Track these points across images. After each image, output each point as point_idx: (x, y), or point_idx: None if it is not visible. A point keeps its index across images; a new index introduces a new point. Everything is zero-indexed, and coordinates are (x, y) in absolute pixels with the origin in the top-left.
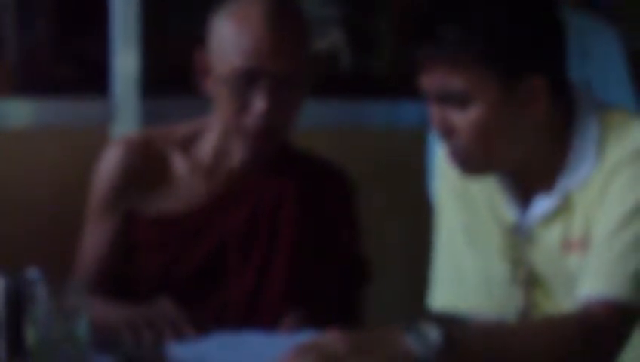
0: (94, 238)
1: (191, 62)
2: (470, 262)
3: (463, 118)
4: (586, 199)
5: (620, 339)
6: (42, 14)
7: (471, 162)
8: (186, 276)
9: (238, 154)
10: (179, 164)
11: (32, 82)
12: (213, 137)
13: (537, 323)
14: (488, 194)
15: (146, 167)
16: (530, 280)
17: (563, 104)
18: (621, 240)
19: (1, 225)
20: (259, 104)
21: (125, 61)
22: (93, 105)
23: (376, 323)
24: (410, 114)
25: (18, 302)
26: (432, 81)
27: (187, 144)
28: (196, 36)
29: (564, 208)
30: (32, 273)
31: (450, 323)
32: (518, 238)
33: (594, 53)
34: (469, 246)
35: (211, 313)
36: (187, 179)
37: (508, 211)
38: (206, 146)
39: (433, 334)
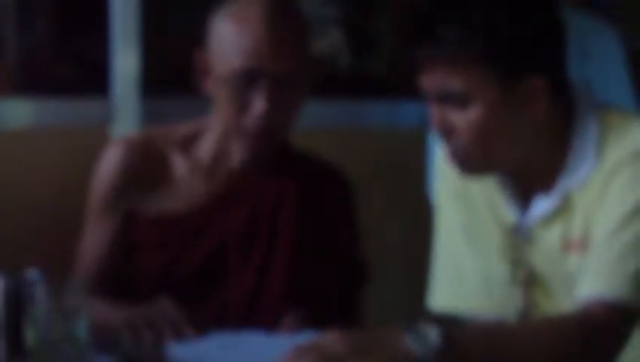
0: (94, 238)
1: (191, 62)
2: (470, 262)
3: (463, 118)
4: (585, 199)
5: (619, 340)
6: (42, 14)
7: (470, 162)
8: (186, 276)
9: (237, 155)
10: (179, 164)
11: (32, 82)
12: (213, 137)
13: (537, 324)
14: (488, 194)
15: (145, 167)
16: (529, 281)
17: (563, 104)
18: (621, 241)
19: (1, 225)
20: (258, 104)
21: (125, 61)
22: (93, 106)
23: (376, 323)
24: (409, 114)
25: (18, 302)
26: (431, 81)
27: (187, 144)
28: (196, 36)
29: (563, 208)
30: (32, 273)
31: (450, 324)
32: (518, 238)
33: (594, 53)
34: (469, 247)
35: (211, 313)
36: (187, 179)
37: (508, 211)
38: (206, 146)
39: (433, 334)
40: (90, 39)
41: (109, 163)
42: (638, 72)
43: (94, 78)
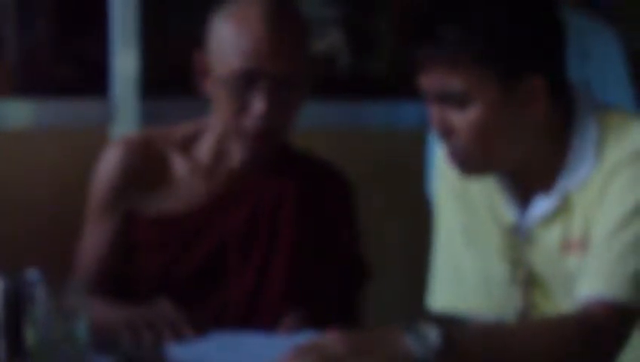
0: (94, 238)
1: (190, 62)
2: (469, 263)
3: (463, 118)
4: (585, 200)
5: (619, 340)
6: (42, 14)
7: (470, 162)
8: (185, 276)
9: (237, 155)
10: (179, 165)
11: (32, 82)
12: (213, 137)
13: (536, 324)
14: (487, 194)
15: (145, 168)
16: (529, 281)
17: (562, 104)
18: (620, 241)
19: (1, 225)
20: (258, 105)
21: (125, 62)
22: (92, 106)
23: (376, 323)
24: (409, 114)
25: (18, 302)
26: (431, 81)
27: (187, 144)
28: (196, 37)
29: (563, 209)
30: (32, 274)
31: (450, 324)
32: (518, 239)
33: (593, 53)
34: (469, 247)
35: (211, 313)
36: (187, 179)
37: (507, 211)
38: (205, 146)
39: (432, 334)
40: (90, 39)
41: (109, 163)
42: (638, 72)
43: (94, 79)
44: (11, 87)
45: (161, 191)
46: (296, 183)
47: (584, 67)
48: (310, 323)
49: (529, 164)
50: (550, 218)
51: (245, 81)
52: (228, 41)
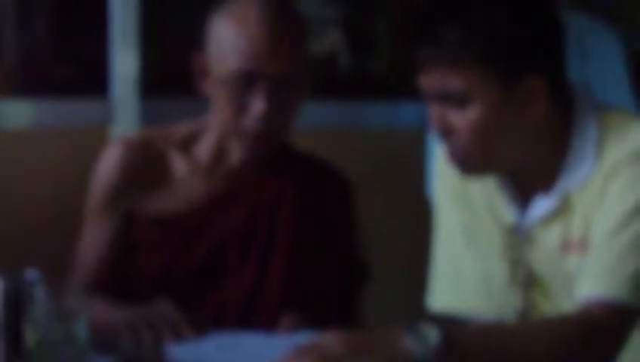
0: (94, 238)
1: (190, 63)
2: (469, 263)
3: (463, 118)
4: (585, 200)
5: (619, 340)
6: (42, 14)
7: (470, 162)
8: (185, 276)
9: (237, 154)
10: (178, 164)
11: (31, 82)
12: (213, 137)
13: (536, 324)
14: (487, 194)
15: (145, 167)
16: (529, 281)
17: (562, 104)
18: (620, 241)
19: (1, 225)
20: (257, 106)
21: (124, 62)
22: (92, 106)
23: (376, 323)
24: (409, 114)
25: (17, 303)
26: (431, 81)
27: (186, 144)
28: (195, 37)
29: (563, 209)
30: (31, 274)
31: (450, 324)
32: (518, 239)
33: (593, 53)
34: (468, 247)
35: (210, 313)
36: (186, 179)
37: (507, 211)
38: (205, 146)
39: (432, 334)
40: (89, 39)
41: (109, 163)
42: (637, 72)
43: (94, 79)
44: (11, 87)
45: (160, 191)
46: (296, 183)
47: (584, 67)
48: (309, 323)
49: (529, 164)
50: (550, 218)
51: (245, 82)
52: (227, 42)
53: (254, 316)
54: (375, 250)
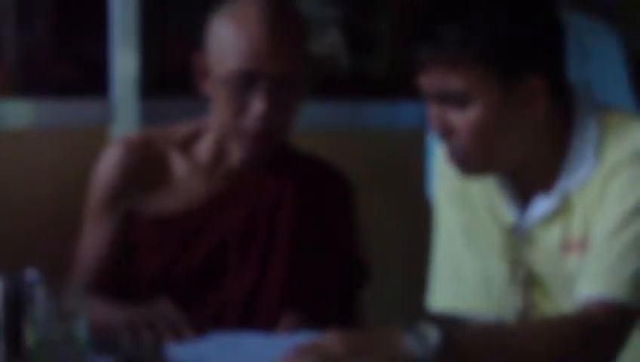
0: (94, 238)
1: (190, 63)
2: (469, 263)
3: (462, 118)
4: (585, 200)
5: (618, 340)
6: (42, 14)
7: (470, 162)
8: (185, 276)
9: (237, 154)
10: (178, 164)
11: (31, 82)
12: (212, 137)
13: (536, 324)
14: (487, 194)
15: (145, 167)
16: (529, 281)
17: (562, 105)
18: (620, 241)
19: (1, 225)
20: (257, 106)
21: (124, 62)
22: (92, 106)
23: (376, 323)
24: (409, 114)
25: (17, 303)
26: (431, 81)
27: (186, 144)
28: (195, 37)
29: (563, 209)
30: (31, 274)
31: (450, 324)
32: (517, 239)
33: (593, 53)
34: (468, 247)
35: (210, 313)
36: (186, 178)
37: (507, 211)
38: (205, 146)
39: (432, 334)
40: (89, 39)
41: (109, 163)
42: (637, 72)
43: (94, 79)
44: (11, 87)
45: (160, 191)
46: (296, 183)
47: (584, 67)
48: (309, 323)
49: (529, 164)
50: (550, 218)
51: (244, 82)
52: (227, 42)
53: (254, 316)
54: (375, 250)
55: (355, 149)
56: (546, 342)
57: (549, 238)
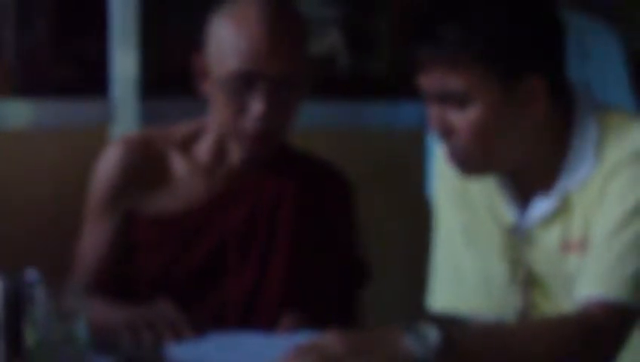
0: (93, 238)
1: (190, 63)
2: (469, 263)
3: (462, 118)
4: (585, 200)
5: (618, 341)
6: (42, 14)
7: (470, 162)
8: (185, 276)
9: (237, 154)
10: (178, 164)
11: (31, 82)
12: (212, 137)
13: (536, 324)
14: (487, 194)
15: (145, 167)
16: (529, 281)
17: (562, 104)
18: (620, 241)
19: (1, 225)
20: (256, 106)
21: (124, 62)
22: (92, 106)
23: (376, 323)
24: (409, 114)
25: (17, 303)
26: (431, 81)
27: (186, 144)
28: (195, 37)
29: (563, 209)
30: (31, 274)
31: (450, 324)
32: (517, 239)
33: (593, 53)
34: (468, 247)
35: (210, 313)
36: (186, 178)
37: (507, 212)
38: (205, 146)
39: (432, 334)
40: (89, 39)
41: (109, 162)
42: (637, 72)
43: (94, 79)
44: (11, 87)
45: (160, 191)
46: (296, 183)
47: (584, 67)
48: (309, 323)
49: (529, 164)
50: (550, 218)
51: (244, 83)
52: (226, 42)
53: (254, 316)
54: (375, 250)
55: (355, 149)
56: (546, 342)
57: (549, 238)
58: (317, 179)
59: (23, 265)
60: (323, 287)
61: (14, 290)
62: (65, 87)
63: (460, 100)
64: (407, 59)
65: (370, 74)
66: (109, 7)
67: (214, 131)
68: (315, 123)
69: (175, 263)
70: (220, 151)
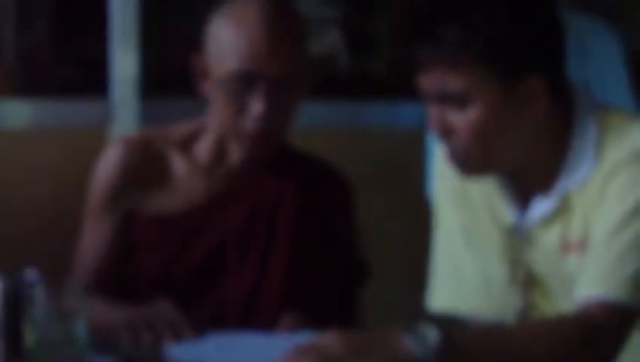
0: (93, 237)
1: (190, 63)
2: (469, 263)
3: (462, 119)
4: (584, 200)
5: (618, 341)
6: (42, 14)
7: (470, 163)
8: (185, 275)
9: (236, 154)
10: (178, 164)
11: (31, 82)
12: (212, 137)
13: (536, 324)
14: (487, 195)
15: (145, 167)
16: (528, 281)
17: (562, 105)
18: (620, 241)
19: (1, 225)
20: (256, 107)
21: (124, 62)
22: (92, 106)
23: (376, 323)
24: (409, 114)
25: (17, 303)
26: (431, 81)
27: (186, 144)
28: (195, 37)
29: (562, 209)
30: (31, 274)
31: (450, 324)
32: (517, 239)
33: (593, 53)
34: (468, 247)
35: (209, 313)
36: (186, 178)
37: (507, 212)
38: (205, 146)
39: (432, 334)
40: (89, 39)
41: (109, 162)
42: (637, 72)
43: (93, 79)
44: (11, 87)
45: (160, 191)
46: (296, 183)
47: (583, 67)
48: (309, 323)
49: (529, 165)
50: (550, 218)
51: (243, 83)
52: (226, 43)
53: (254, 316)
54: (375, 250)
55: (355, 149)
56: (545, 342)
57: (549, 239)
58: (317, 179)
59: (23, 265)
60: (323, 287)
61: (14, 290)
62: (65, 87)
63: (459, 100)
64: (407, 59)
65: (370, 74)
66: (109, 7)
67: (214, 131)
68: (315, 123)
69: (175, 263)
70: (219, 151)
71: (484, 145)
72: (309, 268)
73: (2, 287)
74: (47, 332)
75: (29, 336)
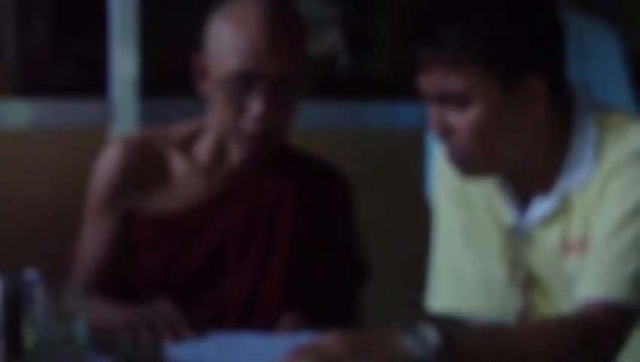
0: (93, 237)
1: (190, 63)
2: (469, 263)
3: (462, 119)
4: (584, 200)
5: (618, 341)
6: (42, 14)
7: (470, 163)
8: (184, 275)
9: (236, 154)
10: (178, 164)
11: (31, 82)
12: (212, 137)
13: (536, 325)
14: (487, 195)
15: (145, 166)
16: (528, 282)
17: (562, 105)
18: (620, 242)
19: (1, 225)
20: (256, 107)
21: (124, 62)
22: (92, 106)
23: (376, 323)
24: (409, 115)
25: (16, 303)
26: (431, 81)
27: (186, 144)
28: (195, 37)
29: (562, 210)
30: (31, 274)
31: (450, 324)
32: (517, 240)
33: (593, 53)
34: (468, 248)
35: (209, 313)
36: (186, 178)
37: (506, 212)
38: (204, 146)
39: (432, 335)
40: (89, 40)
41: (109, 162)
42: (637, 72)
43: (93, 79)
44: (11, 87)
45: (160, 190)
46: (296, 183)
47: (583, 67)
48: (309, 323)
49: (529, 165)
50: (549, 219)
51: (243, 83)
52: (226, 43)
53: (254, 316)
54: (375, 250)
55: (355, 149)
56: (545, 343)
57: (549, 239)
58: (317, 179)
59: (22, 265)
60: (323, 287)
61: (14, 290)
62: (65, 87)
63: (459, 100)
64: (407, 59)
65: (370, 74)
66: (109, 7)
67: (214, 131)
68: (315, 123)
69: (175, 263)
70: (219, 151)
71: (484, 146)
72: (309, 268)
73: (2, 287)
74: (47, 332)
75: (29, 336)
